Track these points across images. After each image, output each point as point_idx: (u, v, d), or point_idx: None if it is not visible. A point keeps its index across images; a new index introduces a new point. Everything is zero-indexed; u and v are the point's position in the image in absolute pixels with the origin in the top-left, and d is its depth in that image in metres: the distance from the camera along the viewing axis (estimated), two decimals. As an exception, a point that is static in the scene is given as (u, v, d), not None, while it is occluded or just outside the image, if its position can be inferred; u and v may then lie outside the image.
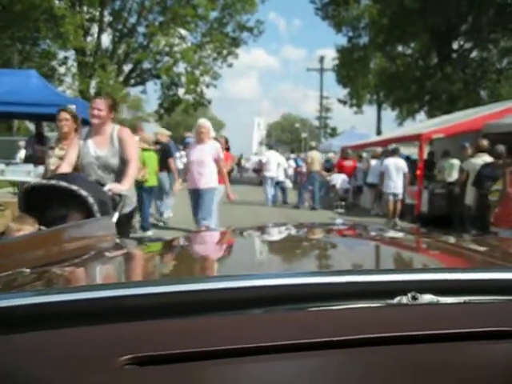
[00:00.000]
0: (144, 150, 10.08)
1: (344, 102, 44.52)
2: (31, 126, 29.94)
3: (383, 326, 0.82)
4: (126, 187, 4.44)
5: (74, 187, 3.57)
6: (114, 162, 4.72)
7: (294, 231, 2.35)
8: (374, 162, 15.64)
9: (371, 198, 15.69)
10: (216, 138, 9.65)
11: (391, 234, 2.33)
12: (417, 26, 27.66)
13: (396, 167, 13.11)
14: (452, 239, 1.97)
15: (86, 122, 11.53)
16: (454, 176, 11.96)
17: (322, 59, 40.80)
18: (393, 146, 14.82)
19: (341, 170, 17.05)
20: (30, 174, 10.18)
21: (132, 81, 33.73)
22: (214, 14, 32.47)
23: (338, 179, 16.84)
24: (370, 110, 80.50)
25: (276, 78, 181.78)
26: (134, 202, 5.17)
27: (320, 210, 16.35)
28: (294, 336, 0.79)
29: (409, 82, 30.69)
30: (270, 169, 16.85)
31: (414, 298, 0.90)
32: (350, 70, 38.00)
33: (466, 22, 28.26)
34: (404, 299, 0.90)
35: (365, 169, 16.37)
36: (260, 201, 17.35)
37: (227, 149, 10.21)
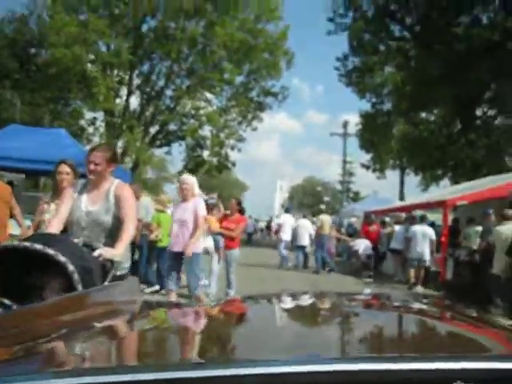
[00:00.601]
0: (159, 211, 10.28)
1: (367, 167, 44.62)
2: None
3: None
4: (119, 252, 3.82)
5: (51, 251, 2.97)
6: (106, 219, 4.15)
7: (337, 305, 2.29)
8: (397, 228, 15.49)
9: (395, 264, 15.46)
10: (212, 204, 9.82)
11: (429, 310, 2.22)
12: (440, 93, 27.87)
13: (423, 234, 13.09)
14: (491, 319, 1.97)
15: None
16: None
17: (345, 124, 41.22)
18: (419, 212, 14.75)
19: (366, 235, 16.84)
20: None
21: (158, 142, 34.33)
22: (239, 79, 33.28)
23: (361, 244, 16.66)
24: (392, 175, 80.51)
25: (299, 141, 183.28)
26: (127, 267, 4.40)
27: (340, 275, 16.14)
28: None
29: (432, 148, 30.69)
30: (285, 231, 17.33)
31: None
32: (373, 135, 38.26)
33: (490, 89, 28.43)
34: None
35: (388, 234, 16.16)
36: (277, 263, 17.39)
37: (240, 211, 9.98)
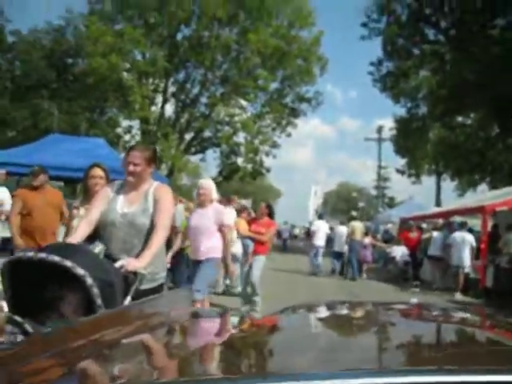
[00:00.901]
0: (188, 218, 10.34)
1: (402, 172, 44.16)
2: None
3: None
4: (143, 264, 3.46)
5: (69, 263, 2.76)
6: (143, 221, 3.79)
7: (392, 316, 2.29)
8: (435, 234, 15.28)
9: (433, 271, 15.21)
10: (242, 206, 9.76)
11: (480, 322, 2.24)
12: (476, 97, 27.47)
13: (463, 240, 13.05)
14: None
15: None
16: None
17: (380, 129, 40.98)
18: (458, 218, 14.56)
19: (405, 241, 16.71)
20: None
21: (193, 149, 34.59)
22: (273, 85, 33.35)
23: (398, 251, 16.52)
24: (428, 180, 79.54)
25: (332, 147, 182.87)
26: (163, 276, 4.08)
27: (377, 283, 15.99)
28: None
29: (469, 153, 30.25)
30: (318, 237, 17.17)
31: None
32: (408, 140, 37.88)
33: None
34: None
35: (426, 240, 15.91)
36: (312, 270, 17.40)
37: (269, 214, 9.52)
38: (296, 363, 1.35)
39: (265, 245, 9.06)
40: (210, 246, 6.50)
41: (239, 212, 9.86)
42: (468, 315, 2.37)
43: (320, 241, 17.20)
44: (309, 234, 22.48)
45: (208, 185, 6.71)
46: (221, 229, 6.56)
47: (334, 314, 2.31)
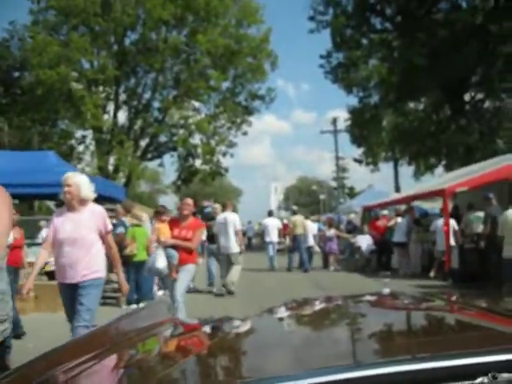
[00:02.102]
0: (134, 225, 10.21)
1: (360, 161, 44.60)
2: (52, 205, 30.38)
3: None
4: None
5: None
6: None
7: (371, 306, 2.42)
8: (399, 220, 15.37)
9: (399, 258, 15.29)
10: (161, 208, 8.66)
11: (454, 306, 2.32)
12: (426, 81, 27.83)
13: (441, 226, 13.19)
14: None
15: (105, 199, 11.63)
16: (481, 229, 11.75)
17: (334, 121, 41.17)
18: (417, 203, 14.63)
19: (375, 230, 16.73)
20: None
21: (149, 155, 34.18)
22: (225, 85, 33.18)
23: (363, 240, 16.58)
24: (385, 167, 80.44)
25: (289, 142, 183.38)
26: (7, 314, 2.87)
27: (346, 273, 16.04)
28: None
29: (424, 137, 30.64)
30: (268, 234, 17.54)
31: (494, 378, 0.97)
32: (363, 129, 38.23)
33: (476, 73, 28.41)
34: (485, 379, 0.96)
35: (392, 227, 15.93)
36: (282, 267, 17.50)
37: (194, 214, 8.20)
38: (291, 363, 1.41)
39: (193, 252, 7.53)
40: (87, 262, 5.05)
41: (158, 214, 8.15)
42: (442, 302, 2.44)
43: (269, 237, 17.41)
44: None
45: (75, 180, 5.17)
46: (102, 237, 5.18)
47: (317, 310, 2.40)
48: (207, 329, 2.19)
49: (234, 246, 11.79)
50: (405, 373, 0.99)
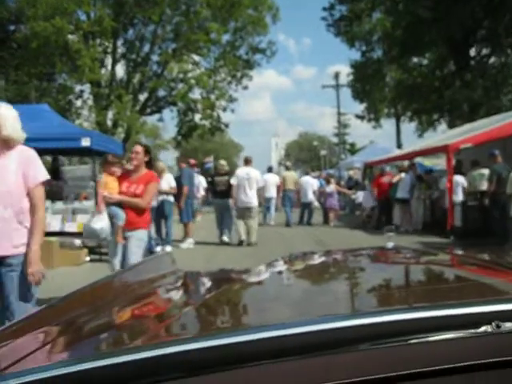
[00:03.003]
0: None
1: (361, 117, 44.21)
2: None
3: (473, 354, 0.92)
4: None
5: None
6: None
7: (374, 260, 2.44)
8: (403, 176, 15.08)
9: (401, 214, 15.05)
10: (112, 157, 6.48)
11: (458, 259, 2.34)
12: (431, 35, 27.26)
13: (456, 183, 12.75)
14: None
15: (101, 154, 11.38)
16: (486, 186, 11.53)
17: (337, 75, 40.58)
18: (418, 159, 14.35)
19: (379, 187, 16.12)
20: (48, 211, 9.94)
21: (148, 109, 33.67)
22: (226, 38, 32.41)
23: (364, 196, 16.40)
24: (387, 124, 79.74)
25: (289, 97, 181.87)
26: None
27: (348, 230, 15.91)
28: (399, 368, 0.89)
29: (427, 93, 30.19)
30: (268, 189, 17.46)
31: (498, 327, 0.96)
32: (366, 84, 37.76)
33: (482, 28, 27.81)
34: (489, 328, 0.96)
35: (395, 183, 15.58)
36: (279, 223, 17.53)
37: (149, 163, 6.18)
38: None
39: (144, 213, 5.97)
40: (13, 230, 3.60)
41: (107, 165, 6.31)
42: (446, 255, 2.47)
43: (269, 193, 17.47)
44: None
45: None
46: (29, 190, 3.68)
47: (320, 263, 2.42)
48: (209, 280, 2.22)
49: (254, 200, 12.58)
50: (407, 321, 0.98)
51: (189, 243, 12.45)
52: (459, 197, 12.36)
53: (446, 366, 0.90)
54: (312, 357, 0.93)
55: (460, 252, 2.64)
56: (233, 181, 12.63)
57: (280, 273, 2.24)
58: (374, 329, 0.97)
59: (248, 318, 1.49)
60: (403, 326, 0.98)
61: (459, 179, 12.58)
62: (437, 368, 0.89)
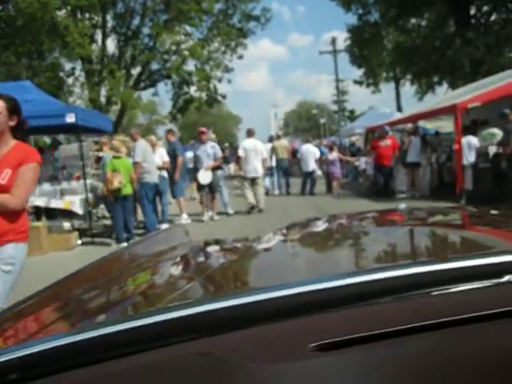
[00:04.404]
0: (114, 157, 9.41)
1: (360, 83, 43.56)
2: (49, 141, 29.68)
3: (496, 302, 0.92)
4: None
5: None
6: None
7: (385, 220, 2.39)
8: (413, 139, 14.33)
9: (409, 180, 14.32)
10: None
11: (478, 215, 2.21)
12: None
13: (469, 145, 11.95)
14: None
15: (87, 130, 10.78)
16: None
17: (333, 41, 39.48)
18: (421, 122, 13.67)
19: (378, 151, 14.65)
20: (34, 193, 9.42)
21: (142, 84, 32.96)
22: (218, 6, 31.52)
23: (368, 163, 15.75)
24: (385, 89, 78.79)
25: (286, 66, 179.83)
26: None
27: (353, 199, 15.34)
28: (423, 318, 0.89)
29: (428, 54, 29.42)
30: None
31: None
32: (363, 49, 37.06)
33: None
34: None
35: (405, 147, 14.63)
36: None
37: (17, 129, 3.45)
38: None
39: (17, 218, 3.46)
40: None
41: None
42: (465, 212, 2.45)
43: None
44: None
45: None
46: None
47: (332, 226, 2.38)
48: (217, 249, 2.19)
49: (260, 170, 13.10)
50: (431, 273, 0.96)
51: (184, 219, 11.89)
52: (471, 159, 11.70)
53: (470, 315, 0.88)
54: (336, 311, 0.92)
55: (476, 209, 2.54)
56: (240, 153, 13.14)
57: (293, 239, 2.16)
58: (397, 281, 0.95)
59: (265, 280, 1.42)
60: (425, 277, 0.96)
61: (472, 140, 11.88)
62: (460, 317, 0.88)
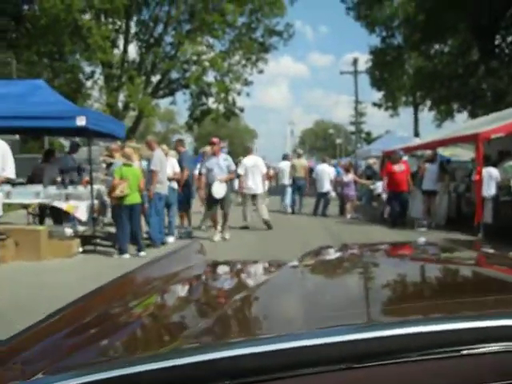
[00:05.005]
0: (124, 165, 9.16)
1: (379, 106, 43.33)
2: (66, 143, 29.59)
3: None
4: None
5: None
6: None
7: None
8: (428, 166, 13.91)
9: (425, 207, 13.83)
10: None
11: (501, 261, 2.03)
12: (455, 20, 26.15)
13: (490, 176, 11.55)
14: None
15: (98, 134, 10.50)
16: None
17: (355, 61, 39.13)
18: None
19: (390, 176, 13.93)
20: (39, 196, 9.15)
21: (161, 92, 32.89)
22: (241, 20, 31.45)
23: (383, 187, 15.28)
24: (403, 113, 78.29)
25: (305, 85, 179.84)
26: None
27: (365, 224, 14.94)
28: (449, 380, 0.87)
29: (449, 80, 29.08)
30: (284, 177, 17.91)
31: None
32: (385, 71, 36.86)
33: (509, 13, 26.63)
34: None
35: (420, 175, 14.28)
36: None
37: None
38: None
39: None
40: None
41: None
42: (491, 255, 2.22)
43: (284, 180, 17.82)
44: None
45: None
46: None
47: (352, 258, 2.30)
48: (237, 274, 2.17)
49: (261, 187, 13.20)
50: (458, 331, 0.92)
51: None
52: (492, 191, 11.28)
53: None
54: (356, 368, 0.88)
55: (497, 252, 2.29)
56: (240, 170, 13.02)
57: (317, 270, 2.09)
58: (423, 338, 0.91)
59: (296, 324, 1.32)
60: (455, 335, 0.92)
61: (493, 171, 11.46)
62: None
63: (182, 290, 1.85)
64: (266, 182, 15.37)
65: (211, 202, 11.19)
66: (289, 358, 0.89)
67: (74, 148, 11.92)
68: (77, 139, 13.03)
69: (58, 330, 1.38)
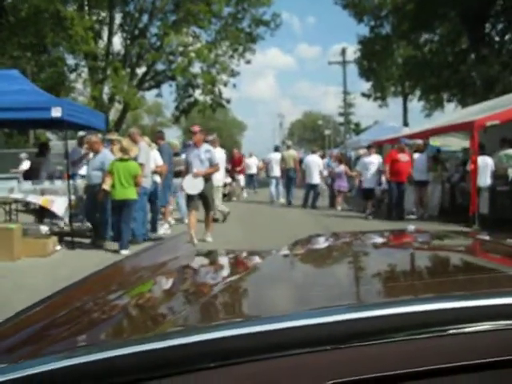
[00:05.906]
0: (118, 159, 8.82)
1: (368, 96, 43.14)
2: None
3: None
4: None
5: None
6: None
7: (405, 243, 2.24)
8: (417, 156, 13.54)
9: (416, 198, 13.48)
10: None
11: (491, 245, 2.04)
12: (445, 8, 25.86)
13: (485, 165, 11.18)
14: None
15: (75, 126, 10.03)
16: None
17: (343, 51, 38.78)
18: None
19: (394, 167, 13.17)
20: (13, 191, 8.70)
21: (146, 84, 32.32)
22: (227, 10, 30.91)
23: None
24: (392, 104, 77.96)
25: (293, 76, 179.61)
26: None
27: (356, 216, 14.58)
28: (449, 359, 0.85)
29: (439, 69, 28.80)
30: (273, 169, 18.08)
31: None
32: (373, 61, 36.67)
33: (498, 1, 26.40)
34: None
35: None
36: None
37: None
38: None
39: None
40: None
41: None
42: (482, 239, 2.27)
43: (273, 172, 17.96)
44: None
45: None
46: None
47: (341, 245, 2.31)
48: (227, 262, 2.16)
49: (219, 179, 12.03)
50: (446, 311, 0.92)
51: (164, 228, 11.05)
52: (487, 180, 10.91)
53: (485, 360, 0.85)
54: (348, 347, 0.88)
55: (489, 237, 2.33)
56: None
57: (304, 257, 2.10)
58: (413, 318, 0.91)
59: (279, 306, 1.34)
60: (443, 315, 0.92)
61: (488, 161, 11.10)
62: (473, 362, 0.85)
63: (169, 278, 1.84)
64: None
65: (188, 199, 9.83)
66: (274, 339, 0.88)
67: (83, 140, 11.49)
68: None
69: (44, 318, 1.36)
